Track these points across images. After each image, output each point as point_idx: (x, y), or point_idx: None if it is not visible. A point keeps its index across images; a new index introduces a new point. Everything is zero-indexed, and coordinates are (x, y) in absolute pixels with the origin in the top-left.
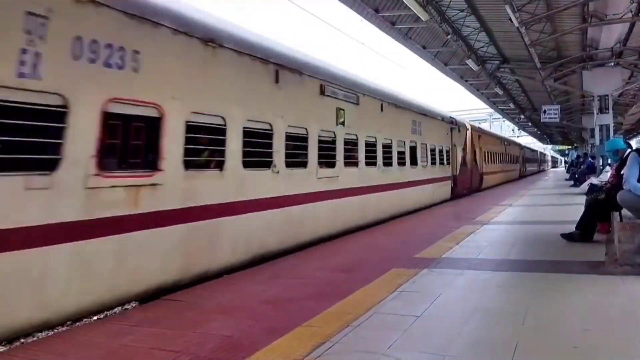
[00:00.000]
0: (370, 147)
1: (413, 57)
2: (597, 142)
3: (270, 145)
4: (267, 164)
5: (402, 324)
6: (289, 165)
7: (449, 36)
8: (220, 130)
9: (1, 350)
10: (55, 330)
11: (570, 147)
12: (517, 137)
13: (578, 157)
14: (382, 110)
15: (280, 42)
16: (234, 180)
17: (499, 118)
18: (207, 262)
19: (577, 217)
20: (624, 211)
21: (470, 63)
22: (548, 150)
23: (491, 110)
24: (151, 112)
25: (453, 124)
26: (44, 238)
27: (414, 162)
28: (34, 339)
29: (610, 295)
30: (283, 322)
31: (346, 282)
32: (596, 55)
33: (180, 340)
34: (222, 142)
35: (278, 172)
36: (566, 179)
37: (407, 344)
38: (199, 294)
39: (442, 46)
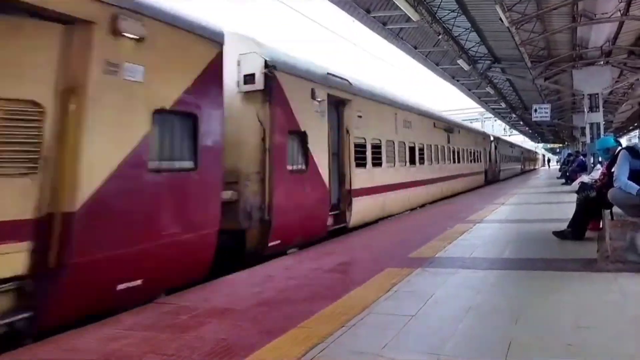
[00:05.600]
0: (458, 152)
1: (404, 56)
2: (588, 140)
3: (434, 154)
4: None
5: (396, 324)
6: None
7: (440, 36)
8: (422, 150)
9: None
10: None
11: (561, 145)
12: (509, 136)
13: (569, 155)
14: (459, 133)
15: (434, 107)
16: (433, 168)
17: (491, 117)
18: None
19: (569, 215)
20: (615, 208)
21: (462, 63)
22: (539, 149)
23: (483, 109)
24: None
25: (484, 136)
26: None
27: (476, 160)
28: (27, 345)
29: (603, 292)
30: (278, 324)
31: (340, 283)
32: (586, 54)
33: (174, 344)
34: (423, 153)
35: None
36: (557, 177)
37: (402, 343)
38: (192, 297)
39: (434, 46)
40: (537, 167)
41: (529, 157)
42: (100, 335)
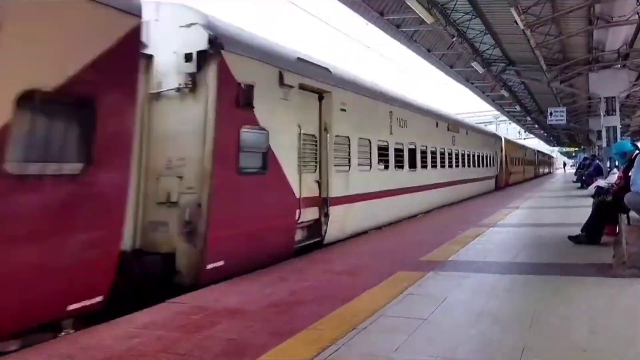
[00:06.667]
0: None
1: (417, 59)
2: (604, 144)
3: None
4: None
5: (407, 328)
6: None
7: (454, 39)
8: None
9: (13, 350)
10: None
11: (577, 149)
12: (524, 139)
13: (585, 159)
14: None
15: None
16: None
17: (505, 120)
18: None
19: (584, 220)
20: (632, 213)
21: (476, 65)
22: (555, 152)
23: (497, 112)
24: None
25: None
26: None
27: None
28: (43, 342)
29: (618, 297)
30: (288, 325)
31: (352, 285)
32: (602, 57)
33: (186, 343)
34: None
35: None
36: (573, 181)
37: (413, 347)
38: (204, 297)
39: (448, 49)
40: (551, 170)
41: (546, 161)
42: (114, 333)
